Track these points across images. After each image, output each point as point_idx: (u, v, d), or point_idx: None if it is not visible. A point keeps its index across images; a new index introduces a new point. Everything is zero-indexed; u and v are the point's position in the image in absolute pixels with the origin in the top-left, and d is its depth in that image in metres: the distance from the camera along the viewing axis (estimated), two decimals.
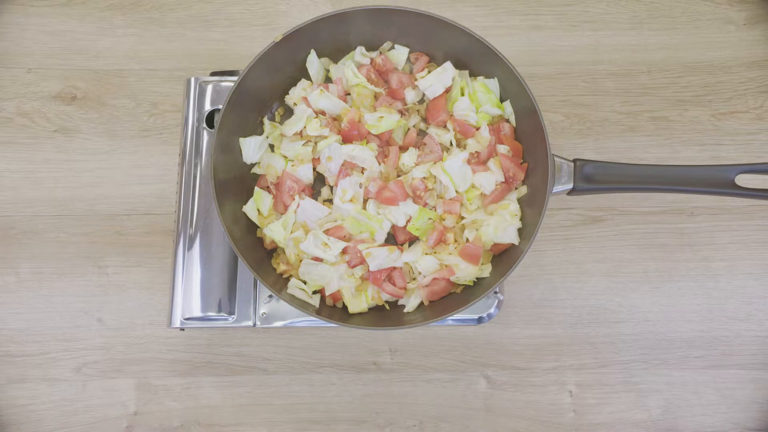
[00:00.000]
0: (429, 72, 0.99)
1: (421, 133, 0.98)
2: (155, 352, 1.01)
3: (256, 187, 0.95)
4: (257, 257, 0.92)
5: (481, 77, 0.98)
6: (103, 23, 1.13)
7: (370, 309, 0.93)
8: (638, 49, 1.13)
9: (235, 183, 0.95)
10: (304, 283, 0.91)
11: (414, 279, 0.93)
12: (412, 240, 0.94)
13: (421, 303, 0.92)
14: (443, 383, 1.00)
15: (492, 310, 0.96)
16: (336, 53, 1.00)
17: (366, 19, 0.95)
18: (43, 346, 1.00)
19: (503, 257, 0.93)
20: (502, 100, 0.97)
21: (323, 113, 0.97)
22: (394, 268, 0.91)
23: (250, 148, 0.96)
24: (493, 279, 0.90)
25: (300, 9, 1.14)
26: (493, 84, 0.97)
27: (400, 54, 0.99)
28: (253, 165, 0.97)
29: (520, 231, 0.92)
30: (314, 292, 0.91)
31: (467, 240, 0.91)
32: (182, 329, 0.96)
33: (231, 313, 0.93)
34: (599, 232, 1.06)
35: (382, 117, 0.94)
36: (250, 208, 0.94)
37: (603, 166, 0.89)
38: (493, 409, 0.99)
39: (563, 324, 1.02)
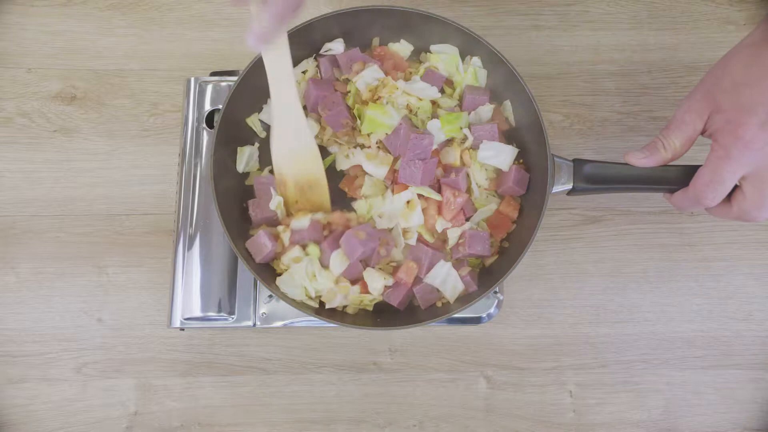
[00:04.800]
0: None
1: None
2: (155, 352, 1.01)
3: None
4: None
5: (476, 58, 0.98)
6: (103, 23, 1.13)
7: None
8: (638, 49, 1.13)
9: (236, 183, 0.95)
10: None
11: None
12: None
13: None
14: (443, 383, 1.00)
15: (492, 310, 0.96)
16: None
17: (366, 19, 0.95)
18: (43, 346, 1.00)
19: (503, 257, 0.93)
20: (502, 100, 0.97)
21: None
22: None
23: (243, 160, 0.97)
24: (493, 279, 0.90)
25: None
26: (482, 74, 0.97)
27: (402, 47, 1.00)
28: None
29: (518, 221, 0.92)
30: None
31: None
32: (182, 329, 0.96)
33: (231, 313, 0.93)
34: (599, 232, 1.06)
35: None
36: None
37: (603, 166, 0.89)
38: (493, 409, 0.99)
39: (563, 324, 1.02)
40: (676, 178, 0.85)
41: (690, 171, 0.83)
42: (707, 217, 1.06)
